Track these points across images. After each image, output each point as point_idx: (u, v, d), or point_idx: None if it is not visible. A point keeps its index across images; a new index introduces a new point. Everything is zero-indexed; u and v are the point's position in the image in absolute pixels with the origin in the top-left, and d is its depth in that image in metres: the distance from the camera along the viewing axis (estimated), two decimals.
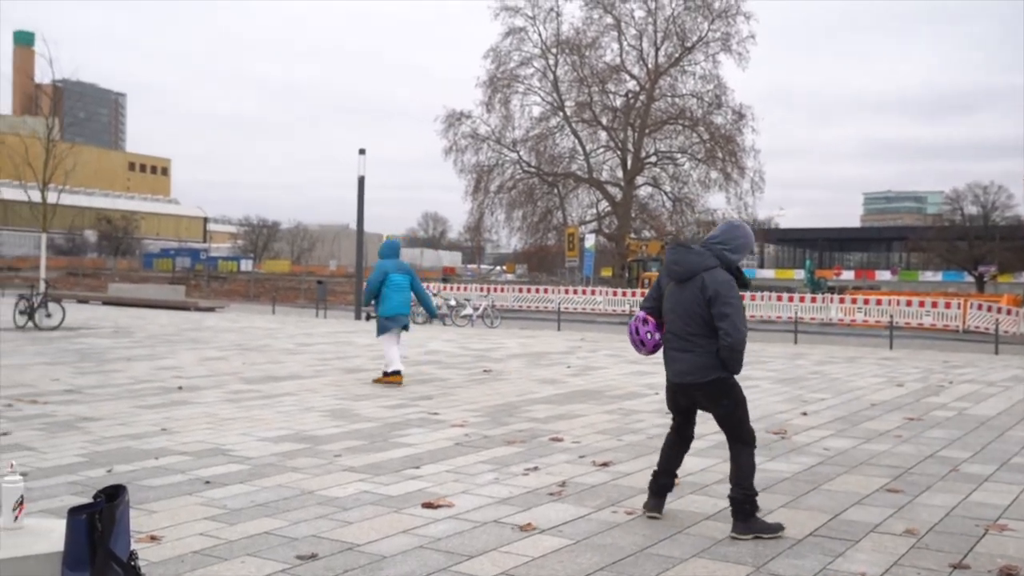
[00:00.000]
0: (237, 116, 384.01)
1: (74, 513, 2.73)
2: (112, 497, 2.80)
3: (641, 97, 56.43)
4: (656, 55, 55.91)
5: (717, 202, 57.69)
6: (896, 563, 4.55)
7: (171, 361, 13.29)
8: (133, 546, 2.91)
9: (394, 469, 6.42)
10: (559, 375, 12.71)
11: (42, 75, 27.79)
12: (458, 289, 38.58)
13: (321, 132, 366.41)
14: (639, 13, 55.73)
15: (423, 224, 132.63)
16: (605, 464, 6.73)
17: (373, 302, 11.64)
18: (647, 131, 55.83)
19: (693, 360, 5.01)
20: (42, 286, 20.78)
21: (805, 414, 9.46)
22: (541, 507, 5.47)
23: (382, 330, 11.38)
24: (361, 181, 28.79)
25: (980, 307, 29.12)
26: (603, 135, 57.81)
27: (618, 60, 56.61)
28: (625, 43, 56.28)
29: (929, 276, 74.09)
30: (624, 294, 37.33)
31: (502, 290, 40.50)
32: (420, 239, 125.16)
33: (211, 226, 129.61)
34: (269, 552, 4.51)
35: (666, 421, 5.44)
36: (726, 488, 5.14)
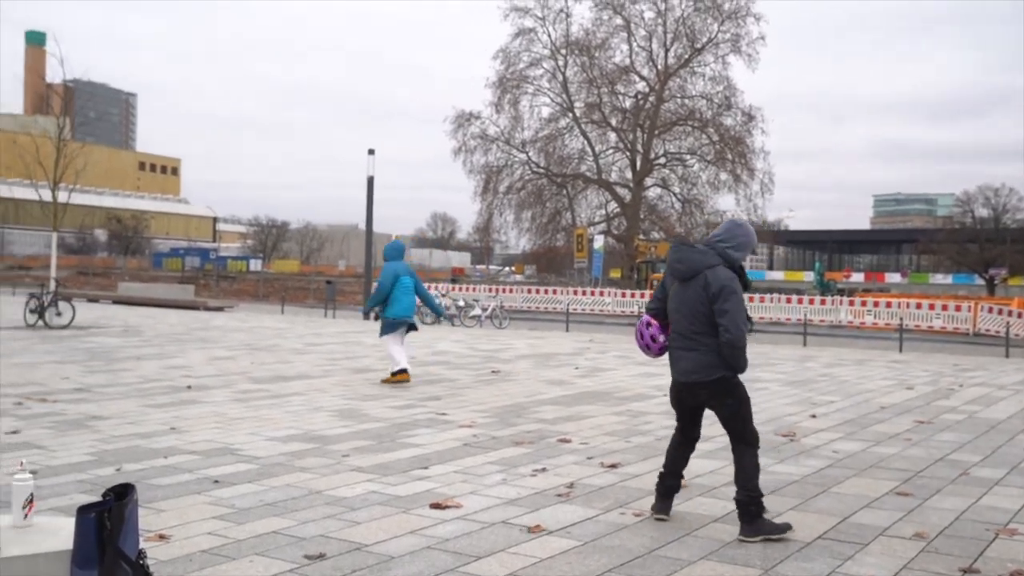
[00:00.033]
0: (237, 116, 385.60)
1: (83, 511, 2.73)
2: (121, 496, 2.81)
3: (650, 98, 56.30)
4: (666, 56, 55.85)
5: (727, 204, 57.42)
6: (905, 567, 4.53)
7: (180, 360, 13.32)
8: (142, 545, 2.92)
9: (402, 469, 6.43)
10: (567, 376, 12.70)
11: (53, 75, 27.96)
12: (467, 290, 38.57)
13: (321, 132, 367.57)
14: (649, 14, 55.71)
15: (432, 225, 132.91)
16: (613, 466, 6.72)
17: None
18: (656, 132, 55.72)
19: (698, 359, 5.00)
20: (52, 285, 20.91)
21: (814, 416, 9.44)
22: (549, 508, 5.47)
23: (388, 330, 11.39)
24: (370, 181, 28.84)
25: (991, 310, 29.02)
26: (612, 136, 57.73)
27: (628, 61, 56.54)
28: (635, 44, 56.21)
29: (939, 279, 73.92)
30: (633, 295, 37.31)
31: (511, 291, 40.45)
32: (429, 239, 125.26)
33: (220, 226, 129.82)
34: (277, 552, 4.51)
35: (675, 423, 5.43)
36: (734, 490, 5.13)
